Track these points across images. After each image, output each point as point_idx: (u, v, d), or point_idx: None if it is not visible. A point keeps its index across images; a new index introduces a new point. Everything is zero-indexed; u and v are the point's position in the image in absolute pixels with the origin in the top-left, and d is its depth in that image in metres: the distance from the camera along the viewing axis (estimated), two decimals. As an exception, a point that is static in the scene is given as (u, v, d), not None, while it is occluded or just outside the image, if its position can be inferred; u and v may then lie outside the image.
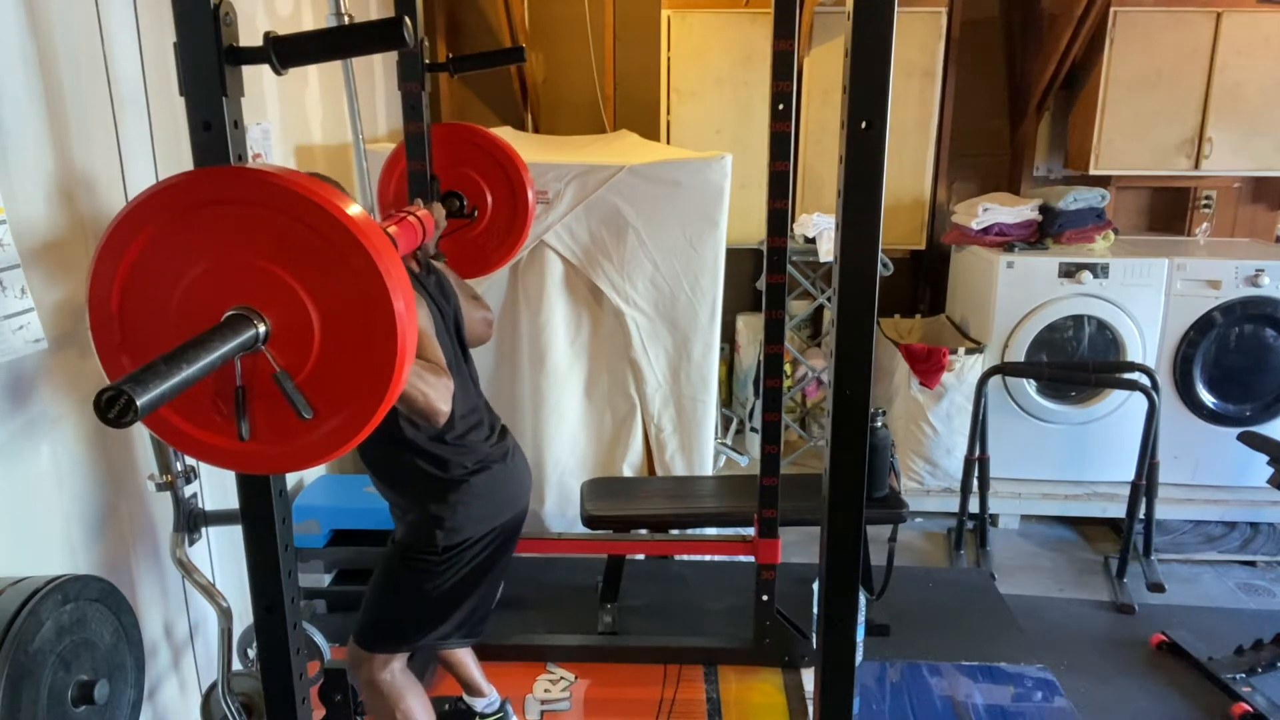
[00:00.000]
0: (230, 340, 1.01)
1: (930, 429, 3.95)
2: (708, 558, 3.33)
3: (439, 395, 1.68)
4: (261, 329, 1.05)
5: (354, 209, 1.06)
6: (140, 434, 2.04)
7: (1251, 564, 3.70)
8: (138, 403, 0.87)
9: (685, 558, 3.37)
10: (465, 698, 2.38)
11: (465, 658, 2.33)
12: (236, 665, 2.13)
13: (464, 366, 2.04)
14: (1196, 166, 4.18)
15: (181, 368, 0.93)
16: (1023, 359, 3.90)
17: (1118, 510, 3.77)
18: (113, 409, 0.87)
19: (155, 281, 1.08)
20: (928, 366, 3.87)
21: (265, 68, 1.13)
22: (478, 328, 2.18)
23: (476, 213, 2.39)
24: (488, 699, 2.36)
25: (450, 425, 1.90)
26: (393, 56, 2.72)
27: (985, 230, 4.08)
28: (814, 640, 2.48)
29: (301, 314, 1.06)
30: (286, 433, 1.10)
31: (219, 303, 1.06)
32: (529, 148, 3.32)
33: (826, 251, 4.06)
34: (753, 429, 4.44)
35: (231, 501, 1.34)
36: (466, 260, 2.43)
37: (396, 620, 1.98)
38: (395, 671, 2.01)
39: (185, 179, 1.06)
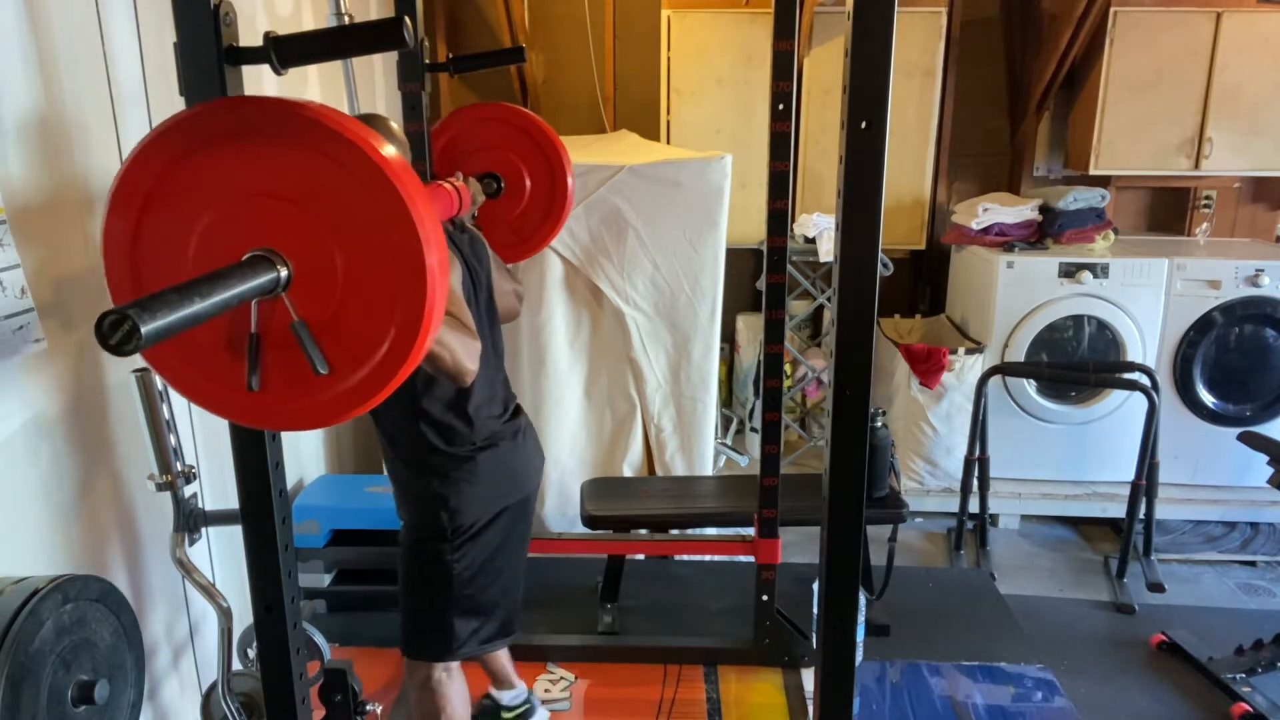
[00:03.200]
0: (249, 281, 0.94)
1: (930, 429, 3.95)
2: (708, 558, 3.33)
3: (468, 355, 1.63)
4: (283, 273, 0.98)
5: (389, 150, 0.99)
6: (140, 434, 2.04)
7: (1251, 564, 3.70)
8: (142, 330, 0.80)
9: (685, 558, 3.37)
10: (492, 691, 2.36)
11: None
12: (236, 665, 2.13)
13: (489, 334, 1.97)
14: (1196, 166, 4.18)
15: (194, 300, 0.86)
16: (1023, 359, 3.90)
17: (1118, 510, 3.77)
18: (115, 334, 0.80)
19: (173, 219, 1.01)
20: (928, 366, 3.87)
21: (265, 68, 1.13)
22: (508, 300, 2.13)
23: (504, 191, 2.33)
24: (515, 690, 2.35)
25: (468, 394, 1.86)
26: (393, 56, 2.72)
27: (985, 230, 4.08)
28: (814, 640, 2.48)
29: (326, 260, 0.99)
30: (300, 388, 1.04)
31: (239, 244, 0.99)
32: (529, 148, 3.31)
33: (826, 251, 4.06)
34: (753, 429, 4.43)
35: (231, 501, 1.34)
36: (502, 244, 2.39)
37: (433, 622, 1.95)
38: (453, 669, 2.01)
39: (207, 108, 1.00)
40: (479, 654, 2.06)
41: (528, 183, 2.30)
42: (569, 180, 2.32)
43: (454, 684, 2.01)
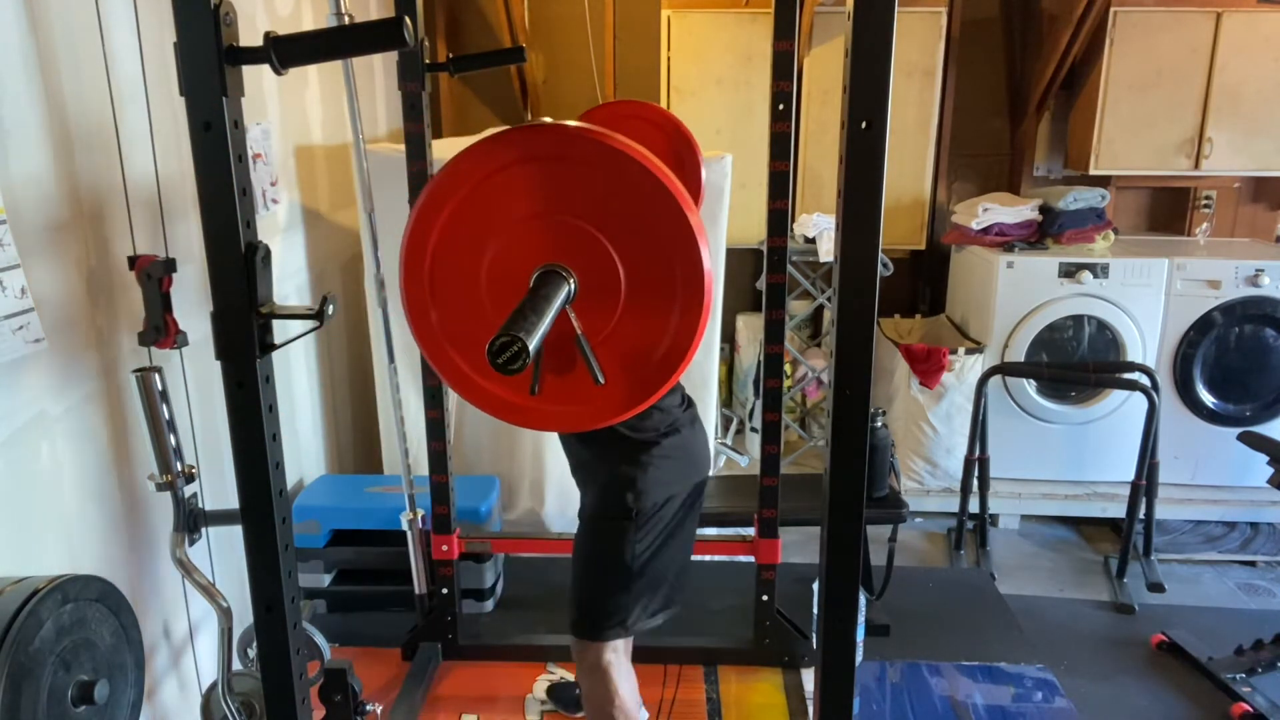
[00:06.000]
0: (559, 294, 1.02)
1: (930, 429, 3.95)
2: (708, 558, 3.32)
3: None
4: (572, 287, 1.05)
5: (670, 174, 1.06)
6: (141, 434, 2.04)
7: (1251, 564, 3.70)
8: (529, 346, 0.91)
9: (685, 558, 3.36)
10: None
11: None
12: (236, 665, 2.13)
13: None
14: (1196, 166, 4.18)
15: (544, 316, 0.96)
16: (1023, 359, 3.90)
17: (1118, 510, 3.77)
18: (504, 354, 0.91)
19: (467, 240, 1.08)
20: (928, 366, 3.87)
21: (265, 68, 1.13)
22: None
23: None
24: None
25: None
26: (393, 56, 2.72)
27: (985, 230, 4.08)
28: (814, 640, 2.48)
29: (610, 276, 1.05)
30: (570, 394, 1.10)
31: (528, 260, 1.06)
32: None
33: (826, 251, 4.06)
34: (753, 429, 4.43)
35: (231, 501, 1.34)
36: None
37: (608, 602, 1.97)
38: (619, 650, 2.02)
39: (498, 139, 1.06)
40: (646, 628, 2.06)
41: None
42: (702, 174, 2.35)
43: (622, 666, 2.03)
